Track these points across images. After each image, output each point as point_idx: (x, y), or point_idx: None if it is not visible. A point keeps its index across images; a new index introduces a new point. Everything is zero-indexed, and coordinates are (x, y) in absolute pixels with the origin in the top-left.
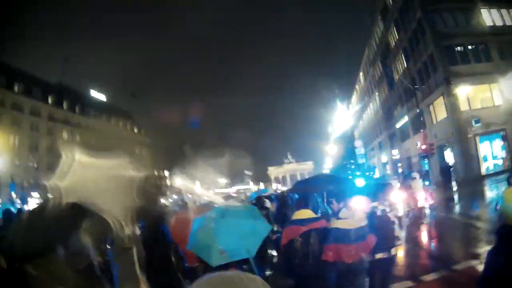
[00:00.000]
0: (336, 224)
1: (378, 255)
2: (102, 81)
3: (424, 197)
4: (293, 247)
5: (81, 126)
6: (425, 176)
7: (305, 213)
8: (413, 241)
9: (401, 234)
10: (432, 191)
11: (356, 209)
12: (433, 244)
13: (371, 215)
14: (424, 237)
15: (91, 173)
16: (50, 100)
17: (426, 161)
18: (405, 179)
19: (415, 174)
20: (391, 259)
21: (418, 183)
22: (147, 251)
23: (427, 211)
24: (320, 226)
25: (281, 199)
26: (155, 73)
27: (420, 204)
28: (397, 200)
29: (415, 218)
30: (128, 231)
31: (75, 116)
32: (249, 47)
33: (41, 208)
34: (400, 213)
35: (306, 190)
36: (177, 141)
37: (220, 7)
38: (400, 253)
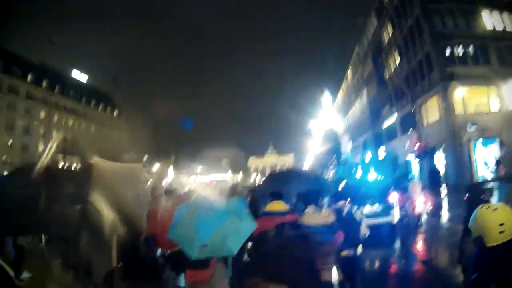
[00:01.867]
0: (305, 218)
1: (344, 253)
2: (86, 63)
3: (423, 202)
4: (266, 238)
5: (60, 107)
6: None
7: (278, 205)
8: (407, 253)
9: (397, 243)
10: (429, 195)
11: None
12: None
13: (338, 214)
14: (420, 249)
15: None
16: (29, 79)
17: (418, 162)
18: (402, 180)
19: (415, 176)
20: (357, 257)
21: (417, 186)
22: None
23: (424, 217)
24: (293, 219)
25: (252, 194)
26: (143, 62)
27: (418, 210)
28: (393, 202)
29: (411, 225)
30: (110, 216)
31: (54, 96)
32: (237, 41)
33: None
34: (395, 219)
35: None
36: (157, 127)
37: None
38: (393, 267)
